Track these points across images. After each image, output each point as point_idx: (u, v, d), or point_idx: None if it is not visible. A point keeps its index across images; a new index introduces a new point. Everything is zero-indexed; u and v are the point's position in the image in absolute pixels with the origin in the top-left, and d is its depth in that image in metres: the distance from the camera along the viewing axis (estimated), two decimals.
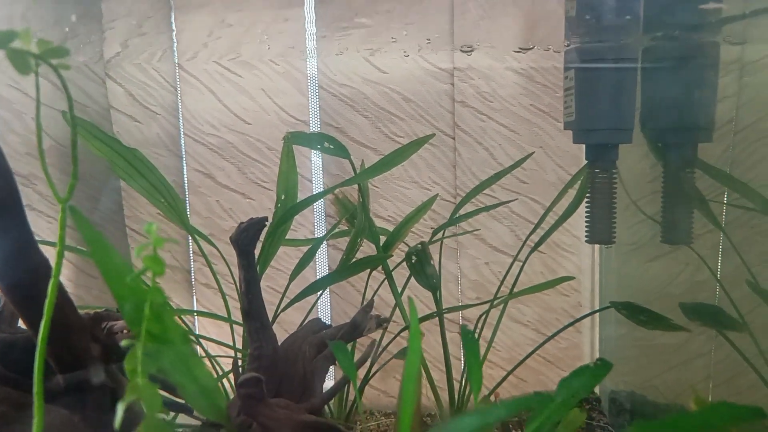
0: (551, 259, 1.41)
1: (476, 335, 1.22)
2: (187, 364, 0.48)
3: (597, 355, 1.42)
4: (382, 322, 1.10)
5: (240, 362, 1.17)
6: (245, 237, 0.96)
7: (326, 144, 1.21)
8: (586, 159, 1.07)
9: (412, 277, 1.14)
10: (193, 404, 0.49)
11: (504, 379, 1.24)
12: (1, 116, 1.44)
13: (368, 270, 1.25)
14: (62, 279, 1.51)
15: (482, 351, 1.24)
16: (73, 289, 1.49)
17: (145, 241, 0.48)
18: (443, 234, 1.23)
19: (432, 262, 1.05)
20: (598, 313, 1.38)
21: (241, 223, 0.98)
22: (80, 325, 0.70)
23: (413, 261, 1.04)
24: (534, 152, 1.28)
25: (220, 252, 1.32)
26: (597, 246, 1.37)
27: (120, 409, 0.46)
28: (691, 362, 1.21)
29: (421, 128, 1.39)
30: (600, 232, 1.04)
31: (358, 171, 1.22)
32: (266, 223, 0.98)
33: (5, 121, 1.44)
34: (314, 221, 1.49)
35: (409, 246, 1.20)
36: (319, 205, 1.48)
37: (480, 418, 0.42)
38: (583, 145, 1.18)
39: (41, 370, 0.56)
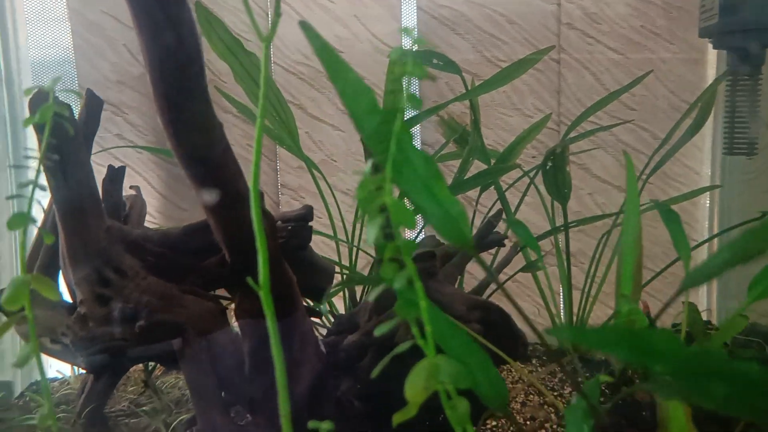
0: (659, 190, 1.35)
1: (593, 265, 1.17)
2: (430, 186, 0.45)
3: (708, 289, 1.37)
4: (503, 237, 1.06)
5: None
6: None
7: (435, 61, 1.16)
8: (727, 65, 1.00)
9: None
10: (436, 228, 0.46)
11: (610, 319, 1.20)
12: (92, 42, 1.42)
13: (476, 196, 1.21)
14: (150, 210, 1.48)
15: (594, 287, 1.19)
16: (162, 220, 1.47)
17: None
18: (551, 163, 1.18)
19: (568, 169, 1.00)
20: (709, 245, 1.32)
21: None
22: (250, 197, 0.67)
23: (548, 166, 0.99)
24: (651, 71, 1.22)
25: (316, 181, 1.26)
26: (715, 173, 1.30)
27: (373, 229, 0.43)
28: None
29: (524, 52, 1.33)
30: (742, 143, 0.98)
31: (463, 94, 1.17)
32: None
33: (97, 48, 1.42)
34: None
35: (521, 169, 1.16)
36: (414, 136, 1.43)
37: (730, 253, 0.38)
38: (703, 70, 1.12)
39: (263, 239, 0.53)
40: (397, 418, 0.45)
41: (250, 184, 0.53)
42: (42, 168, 0.59)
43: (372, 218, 0.45)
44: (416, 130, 1.41)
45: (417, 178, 0.45)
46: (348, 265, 1.19)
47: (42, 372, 0.52)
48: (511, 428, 0.93)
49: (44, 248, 0.95)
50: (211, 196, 0.64)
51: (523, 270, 1.10)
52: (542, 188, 1.17)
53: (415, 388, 0.43)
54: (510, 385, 0.98)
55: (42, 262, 0.95)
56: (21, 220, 0.51)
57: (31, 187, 0.54)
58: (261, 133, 0.53)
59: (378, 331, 0.53)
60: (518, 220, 0.79)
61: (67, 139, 0.78)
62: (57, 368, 1.20)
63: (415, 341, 0.50)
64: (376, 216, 0.45)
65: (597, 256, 1.15)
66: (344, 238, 1.20)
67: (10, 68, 1.33)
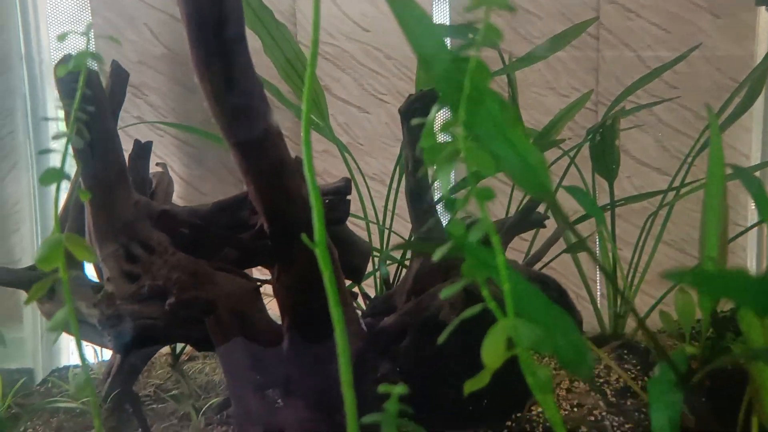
0: (701, 172, 1.29)
1: (637, 251, 1.13)
2: (506, 132, 0.40)
3: None
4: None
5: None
6: (416, 109, 0.88)
7: (470, 35, 1.11)
8: None
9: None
10: (514, 178, 0.41)
11: (654, 307, 1.14)
12: (112, 21, 1.38)
13: None
14: (174, 196, 1.43)
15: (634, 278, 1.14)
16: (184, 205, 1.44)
17: None
18: (596, 137, 1.12)
19: (617, 143, 0.95)
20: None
21: (411, 95, 0.90)
22: (292, 164, 0.63)
23: (597, 140, 0.94)
24: (700, 44, 1.16)
25: (347, 165, 1.22)
26: (765, 154, 1.24)
27: (444, 178, 0.38)
28: None
29: (560, 28, 1.27)
30: None
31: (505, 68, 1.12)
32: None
33: (117, 28, 1.38)
34: None
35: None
36: None
37: None
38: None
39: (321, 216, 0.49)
40: (469, 387, 0.41)
41: None
42: (73, 127, 0.55)
43: (441, 167, 0.41)
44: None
45: (492, 123, 0.40)
46: (379, 248, 1.14)
47: (78, 341, 0.48)
48: None
49: (69, 224, 0.91)
50: (251, 160, 0.60)
51: (566, 251, 1.05)
52: (583, 168, 1.12)
53: (492, 352, 0.39)
54: (555, 371, 0.93)
55: None
56: (55, 175, 0.47)
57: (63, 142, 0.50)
58: (311, 84, 0.49)
59: (444, 294, 0.48)
60: (577, 187, 0.74)
61: (94, 109, 0.74)
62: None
63: (485, 304, 0.46)
64: (445, 165, 0.40)
65: (641, 241, 1.10)
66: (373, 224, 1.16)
67: (30, 46, 1.31)
